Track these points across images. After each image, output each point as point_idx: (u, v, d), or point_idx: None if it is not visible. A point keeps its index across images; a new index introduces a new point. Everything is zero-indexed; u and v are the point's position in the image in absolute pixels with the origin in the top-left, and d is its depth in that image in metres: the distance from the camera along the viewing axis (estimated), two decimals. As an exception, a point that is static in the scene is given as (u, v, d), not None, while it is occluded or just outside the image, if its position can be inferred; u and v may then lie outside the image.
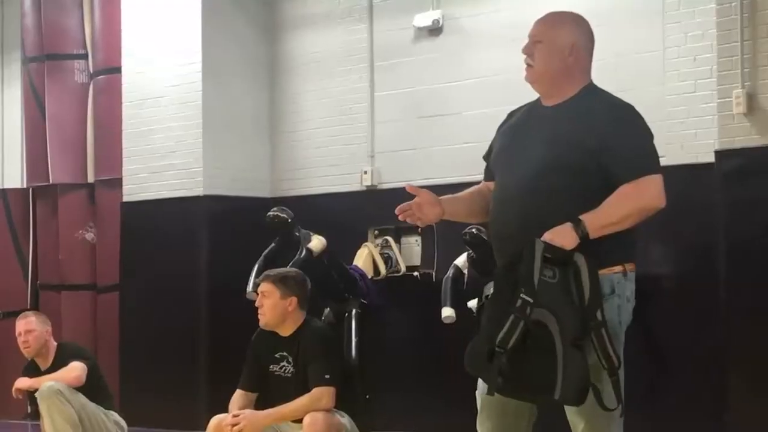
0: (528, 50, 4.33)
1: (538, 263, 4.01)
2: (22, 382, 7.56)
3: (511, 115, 4.51)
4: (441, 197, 4.34)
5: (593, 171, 4.15)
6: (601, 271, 4.11)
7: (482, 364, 4.06)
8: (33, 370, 7.71)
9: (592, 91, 4.36)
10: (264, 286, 6.26)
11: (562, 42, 4.31)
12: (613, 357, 4.03)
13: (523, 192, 4.20)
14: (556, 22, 4.38)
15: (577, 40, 4.34)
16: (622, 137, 4.20)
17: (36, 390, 7.41)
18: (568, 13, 4.46)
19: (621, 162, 4.15)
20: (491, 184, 4.43)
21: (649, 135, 4.30)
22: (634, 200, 4.13)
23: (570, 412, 4.22)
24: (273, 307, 6.20)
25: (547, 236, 4.05)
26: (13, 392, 7.61)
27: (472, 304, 7.74)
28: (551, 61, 4.30)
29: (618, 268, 4.19)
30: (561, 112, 4.29)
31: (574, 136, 4.19)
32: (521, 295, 3.99)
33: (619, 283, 4.19)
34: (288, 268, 6.70)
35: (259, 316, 6.25)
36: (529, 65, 4.33)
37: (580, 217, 4.08)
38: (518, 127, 4.40)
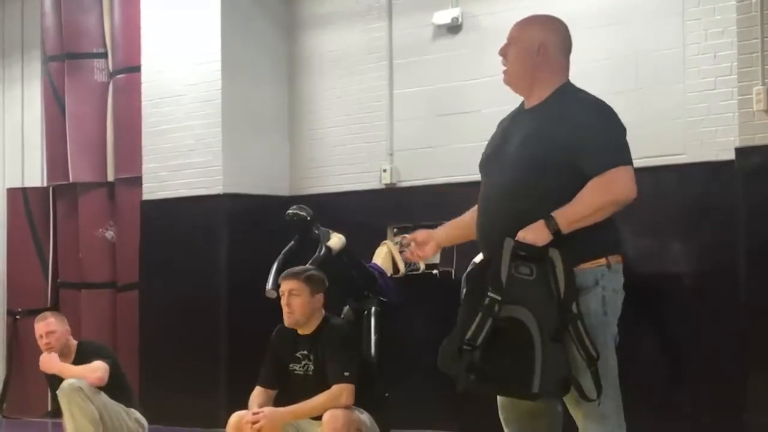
0: (503, 52, 4.48)
1: (506, 262, 4.13)
2: (52, 363, 7.51)
3: (501, 123, 4.64)
4: (436, 230, 4.64)
5: (566, 167, 4.25)
6: (584, 265, 4.22)
7: (452, 361, 4.18)
8: (56, 369, 7.71)
9: (567, 90, 4.46)
10: (293, 284, 6.25)
11: (530, 42, 4.43)
12: (590, 348, 4.13)
13: (503, 192, 4.32)
14: (525, 24, 4.52)
15: (546, 40, 4.44)
16: (591, 132, 4.29)
17: (58, 386, 7.42)
18: (541, 15, 4.61)
19: (590, 156, 4.25)
20: None
21: (621, 129, 4.37)
22: (603, 193, 4.22)
23: (569, 404, 4.30)
24: (303, 305, 6.22)
25: (521, 234, 4.17)
26: (41, 365, 7.59)
27: None
28: (522, 62, 4.42)
29: (601, 261, 4.28)
30: (537, 113, 4.40)
31: (546, 135, 4.30)
32: (489, 293, 4.12)
33: (603, 275, 4.27)
34: (308, 266, 6.71)
35: (287, 315, 6.24)
36: (504, 67, 4.47)
37: (552, 213, 4.19)
38: (502, 133, 4.53)
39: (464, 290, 7.86)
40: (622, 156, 4.29)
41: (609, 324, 4.29)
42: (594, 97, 4.45)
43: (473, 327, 4.12)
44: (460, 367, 4.14)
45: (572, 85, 4.48)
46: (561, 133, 4.27)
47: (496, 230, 4.29)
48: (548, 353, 4.09)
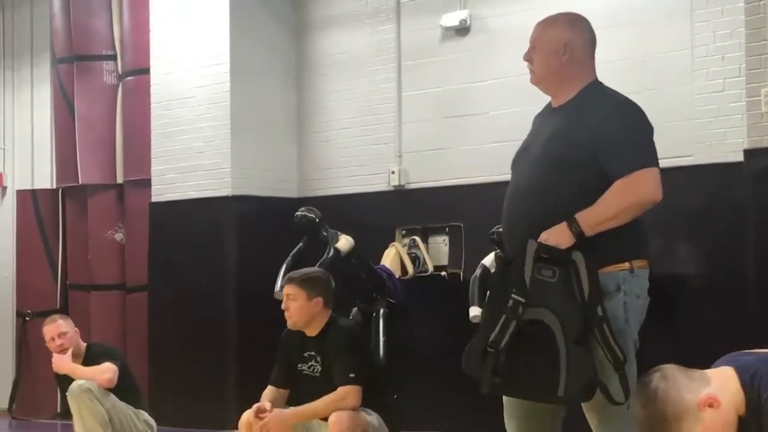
0: (528, 56, 4.45)
1: (529, 263, 4.08)
2: (64, 363, 7.53)
3: (534, 120, 4.60)
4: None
5: (589, 167, 4.19)
6: (607, 269, 4.15)
7: (477, 363, 4.15)
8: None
9: (595, 88, 4.41)
10: (289, 289, 6.26)
11: (554, 42, 4.40)
12: (617, 351, 4.06)
13: (527, 191, 4.28)
14: (547, 24, 4.48)
15: (571, 39, 4.41)
16: (617, 132, 4.22)
17: (67, 387, 7.44)
18: (563, 14, 4.56)
19: (615, 157, 4.18)
20: None
21: (648, 129, 4.29)
22: (628, 195, 4.15)
23: (585, 407, 4.25)
24: (300, 309, 6.22)
25: (543, 236, 4.12)
26: (53, 365, 7.61)
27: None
28: (548, 63, 4.39)
29: (624, 266, 4.20)
30: (563, 112, 4.37)
31: (570, 134, 4.25)
32: (512, 295, 4.07)
33: (626, 280, 4.19)
34: (310, 268, 6.70)
35: (287, 318, 6.27)
36: (531, 70, 4.44)
37: (575, 215, 4.12)
38: (533, 131, 4.51)
39: (474, 290, 7.90)
40: (647, 157, 4.21)
41: (630, 330, 4.22)
42: (622, 96, 4.37)
43: (497, 329, 4.07)
44: (485, 370, 4.09)
45: (600, 84, 4.42)
46: (584, 132, 4.20)
47: (519, 230, 4.25)
48: (572, 356, 4.02)
